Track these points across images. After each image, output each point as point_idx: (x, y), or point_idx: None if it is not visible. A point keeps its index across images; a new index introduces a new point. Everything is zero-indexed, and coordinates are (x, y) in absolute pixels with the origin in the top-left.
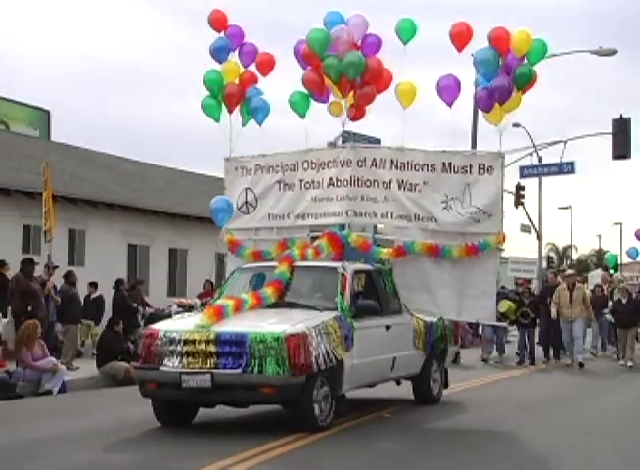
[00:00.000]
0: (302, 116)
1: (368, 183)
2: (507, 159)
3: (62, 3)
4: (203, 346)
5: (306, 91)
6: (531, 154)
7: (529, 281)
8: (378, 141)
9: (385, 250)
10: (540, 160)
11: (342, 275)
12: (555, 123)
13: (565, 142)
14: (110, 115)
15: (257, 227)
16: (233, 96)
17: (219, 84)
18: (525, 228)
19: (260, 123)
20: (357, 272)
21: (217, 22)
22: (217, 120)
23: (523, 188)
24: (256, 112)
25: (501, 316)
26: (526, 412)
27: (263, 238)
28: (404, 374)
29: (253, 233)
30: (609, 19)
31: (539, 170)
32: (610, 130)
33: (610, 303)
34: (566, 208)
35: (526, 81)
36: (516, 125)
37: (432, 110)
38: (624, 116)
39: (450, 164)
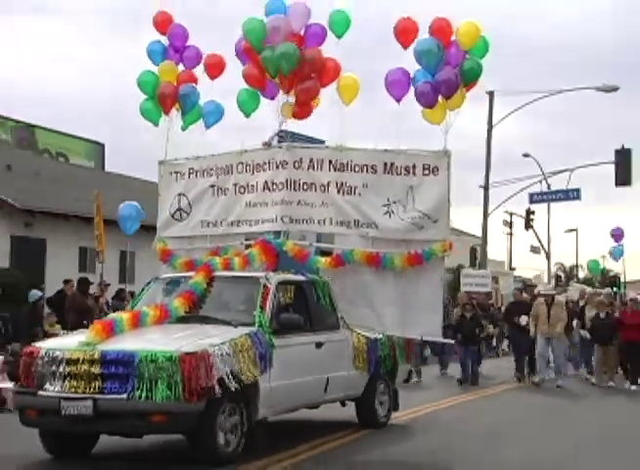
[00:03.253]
0: (247, 115)
1: (305, 186)
2: (518, 186)
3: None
4: (86, 366)
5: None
6: (540, 181)
7: (488, 295)
8: (322, 142)
9: (322, 259)
10: (549, 187)
11: (265, 286)
12: (562, 153)
13: (571, 171)
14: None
15: (191, 235)
16: (168, 97)
17: (155, 86)
18: (534, 249)
19: (208, 127)
20: (283, 283)
21: (162, 24)
22: (156, 124)
23: (533, 213)
24: (208, 116)
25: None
26: (486, 438)
27: (197, 247)
28: (342, 396)
29: (187, 242)
30: (608, 55)
31: (548, 197)
32: (613, 160)
33: (575, 321)
34: (572, 230)
35: (475, 76)
36: (526, 155)
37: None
38: (626, 146)
39: (392, 164)
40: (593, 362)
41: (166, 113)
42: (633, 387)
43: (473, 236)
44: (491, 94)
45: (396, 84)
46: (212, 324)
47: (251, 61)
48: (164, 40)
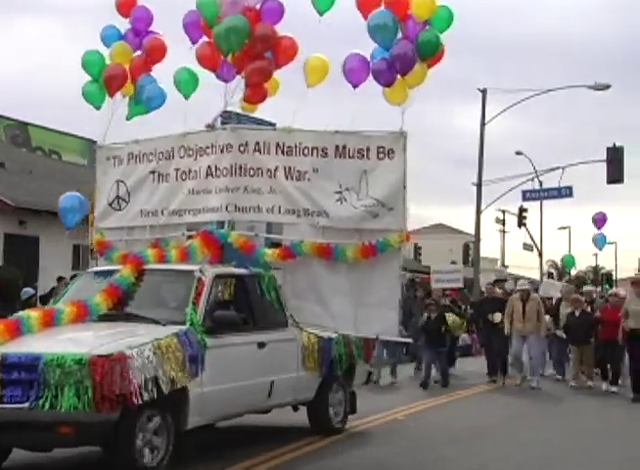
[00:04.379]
0: (186, 97)
1: (251, 172)
2: (510, 184)
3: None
4: None
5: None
6: (533, 179)
7: (459, 290)
8: (272, 125)
9: (270, 251)
10: (541, 185)
11: (199, 281)
12: (555, 151)
13: (563, 169)
14: None
15: (130, 226)
16: (115, 79)
17: (101, 67)
18: (527, 247)
19: (149, 111)
20: (222, 277)
21: (125, 5)
22: (98, 108)
23: (525, 210)
24: (150, 101)
25: (446, 332)
26: (452, 445)
27: (136, 238)
28: (290, 400)
29: (126, 233)
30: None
31: (540, 194)
32: (604, 158)
33: (547, 317)
34: (564, 228)
35: (432, 50)
36: (519, 153)
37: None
38: (617, 144)
39: (345, 146)
40: (569, 362)
41: (111, 95)
42: (613, 388)
43: (466, 234)
44: (484, 92)
45: (355, 71)
46: (138, 323)
47: (206, 37)
48: (125, 25)
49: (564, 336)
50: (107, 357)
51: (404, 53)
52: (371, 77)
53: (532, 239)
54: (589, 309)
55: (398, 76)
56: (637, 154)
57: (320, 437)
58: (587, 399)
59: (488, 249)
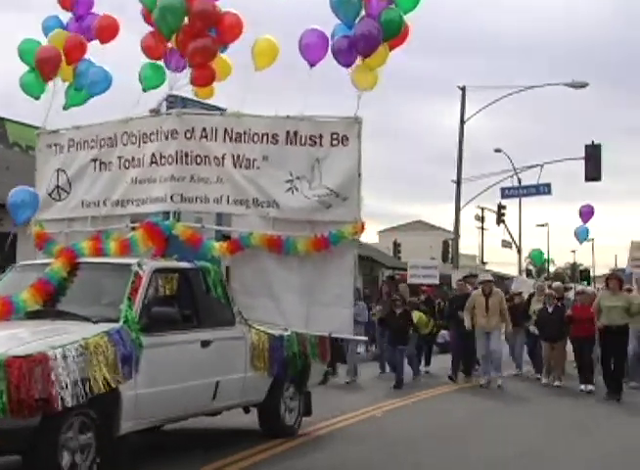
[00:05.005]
0: (145, 89)
1: (198, 159)
2: (489, 181)
3: None
4: None
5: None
6: (512, 176)
7: (435, 287)
8: (222, 110)
9: (217, 245)
10: (520, 182)
11: (136, 275)
12: (533, 149)
13: (542, 166)
14: None
15: (71, 217)
16: (48, 61)
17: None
18: (506, 244)
19: (92, 96)
20: (162, 272)
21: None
22: (37, 98)
23: (504, 207)
24: (94, 86)
25: (412, 329)
26: (403, 449)
27: (78, 230)
28: (237, 402)
29: (66, 225)
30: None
31: (519, 191)
32: (582, 155)
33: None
34: (543, 225)
35: (395, 30)
36: (498, 151)
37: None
38: (595, 142)
39: (296, 133)
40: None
41: (46, 80)
42: (589, 387)
43: (445, 230)
44: (463, 90)
45: (311, 47)
46: (68, 320)
47: (148, 30)
48: (66, 16)
49: (536, 332)
50: (25, 358)
51: (369, 32)
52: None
53: (511, 236)
54: (559, 305)
55: (358, 59)
56: (616, 151)
57: (281, 441)
58: (556, 398)
59: (467, 245)
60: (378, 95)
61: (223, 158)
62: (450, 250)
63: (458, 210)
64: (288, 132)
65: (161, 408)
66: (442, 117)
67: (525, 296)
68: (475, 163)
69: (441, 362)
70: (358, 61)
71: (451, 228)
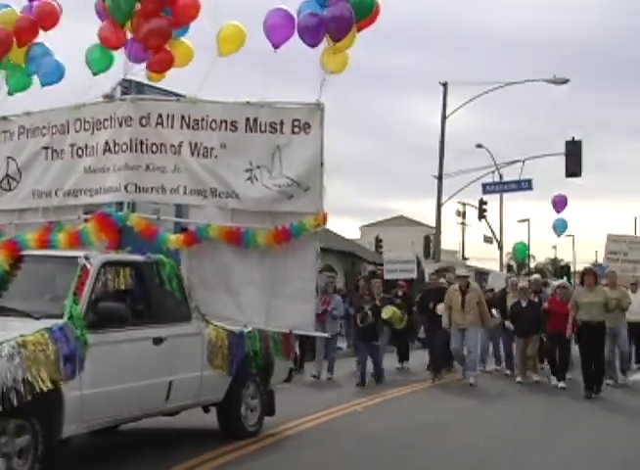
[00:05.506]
0: (95, 73)
1: (153, 148)
2: (471, 177)
3: None
4: None
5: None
6: (493, 172)
7: (409, 282)
8: (180, 97)
9: (173, 237)
10: (501, 177)
11: (83, 268)
12: (515, 145)
13: (523, 161)
14: None
15: (21, 208)
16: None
17: None
18: (487, 239)
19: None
20: (112, 265)
21: None
22: None
23: (486, 203)
24: (45, 77)
25: (385, 324)
26: (372, 448)
27: (28, 222)
28: (193, 402)
29: (17, 216)
30: (564, 49)
31: (500, 187)
32: (563, 151)
33: (494, 310)
34: (524, 221)
35: (366, 11)
36: (479, 146)
37: None
38: (576, 138)
39: (256, 119)
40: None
41: None
42: (560, 383)
43: (427, 226)
44: (445, 85)
45: (276, 28)
46: (7, 316)
47: (105, 20)
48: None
49: (512, 327)
50: None
51: (341, 14)
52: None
53: (492, 231)
54: (536, 300)
55: (325, 40)
56: (598, 148)
57: (247, 441)
58: (530, 394)
59: (449, 241)
60: (359, 89)
61: (180, 146)
62: (432, 245)
63: (439, 205)
64: (247, 119)
65: (109, 410)
66: (425, 113)
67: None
68: (456, 158)
69: (419, 358)
70: (325, 42)
71: (433, 224)
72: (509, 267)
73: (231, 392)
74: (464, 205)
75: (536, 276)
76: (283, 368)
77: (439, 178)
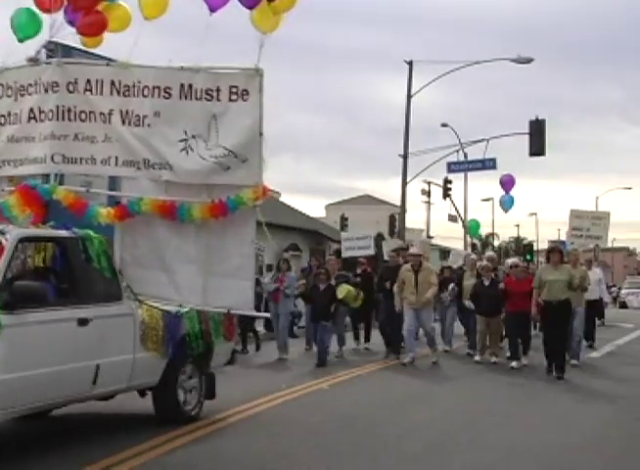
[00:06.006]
0: (21, 40)
1: (82, 115)
2: (436, 155)
3: None
4: None
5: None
6: (458, 151)
7: (371, 260)
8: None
9: (105, 211)
10: (466, 156)
11: None
12: (480, 123)
13: (487, 141)
14: None
15: None
16: None
17: None
18: (452, 218)
19: None
20: (31, 240)
21: None
22: None
23: (450, 182)
24: None
25: (339, 303)
26: (335, 431)
27: None
28: (124, 386)
29: None
30: (530, 28)
31: (465, 166)
32: (527, 130)
33: (451, 285)
34: (488, 200)
35: None
36: (444, 125)
37: None
38: (540, 117)
39: (191, 86)
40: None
41: None
42: (524, 361)
43: (392, 205)
44: (410, 64)
45: None
46: None
47: None
48: None
49: (472, 307)
50: None
51: None
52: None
53: (457, 210)
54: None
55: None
56: (562, 127)
57: (191, 427)
58: (490, 374)
59: (414, 220)
60: (324, 67)
61: (110, 114)
62: (397, 224)
63: (405, 184)
64: (182, 85)
65: (27, 396)
66: (391, 92)
67: (458, 268)
68: (422, 137)
69: (378, 337)
70: (263, 3)
71: (398, 203)
72: (473, 246)
73: (167, 375)
74: (429, 183)
75: (491, 253)
76: (225, 350)
77: (405, 157)
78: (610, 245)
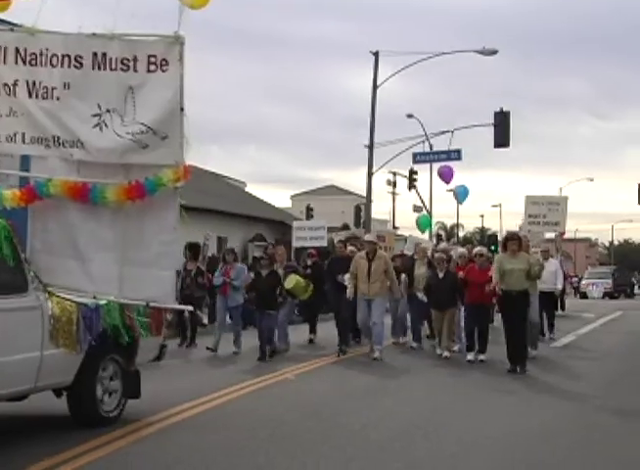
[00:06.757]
0: None
1: None
2: (401, 146)
3: None
4: None
5: None
6: (423, 142)
7: (319, 251)
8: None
9: (9, 193)
10: (431, 147)
11: None
12: (446, 115)
13: (452, 132)
14: None
15: None
16: None
17: None
18: (417, 209)
19: None
20: None
21: None
22: None
23: (416, 173)
24: None
25: (287, 294)
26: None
27: None
28: (32, 387)
29: None
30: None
31: (430, 157)
32: (492, 122)
33: (403, 276)
34: (452, 190)
35: None
36: (410, 116)
37: None
38: (505, 109)
39: (105, 55)
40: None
41: None
42: (481, 356)
43: (358, 195)
44: (376, 55)
45: None
46: None
47: None
48: None
49: (425, 299)
50: None
51: None
52: None
53: (422, 201)
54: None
55: None
56: (526, 119)
57: (125, 430)
58: (444, 370)
59: (380, 210)
60: (289, 57)
61: (15, 85)
62: (362, 215)
63: (370, 174)
64: (95, 54)
65: None
66: (356, 82)
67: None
68: (388, 128)
69: (330, 330)
70: None
71: (364, 193)
72: (438, 237)
73: (83, 373)
74: (394, 174)
75: (444, 245)
76: (152, 345)
77: (370, 148)
78: (572, 236)
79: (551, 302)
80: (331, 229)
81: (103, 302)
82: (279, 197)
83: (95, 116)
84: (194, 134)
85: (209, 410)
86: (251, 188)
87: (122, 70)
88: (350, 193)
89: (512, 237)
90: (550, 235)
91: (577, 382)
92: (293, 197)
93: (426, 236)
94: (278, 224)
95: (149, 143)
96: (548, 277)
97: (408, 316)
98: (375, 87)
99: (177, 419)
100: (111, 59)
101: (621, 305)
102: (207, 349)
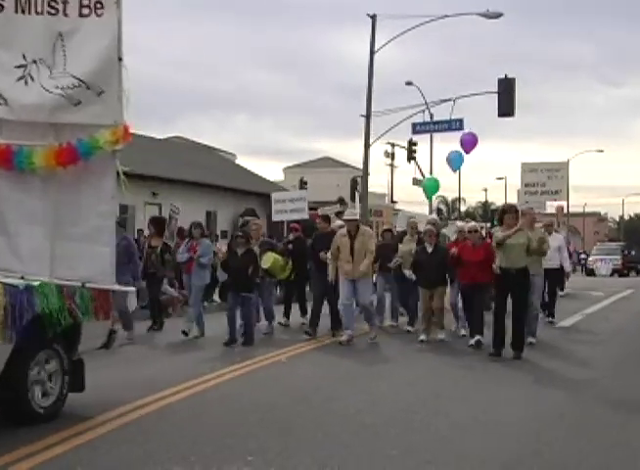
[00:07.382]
0: None
1: None
2: (400, 116)
3: None
4: None
5: None
6: (423, 111)
7: (298, 224)
8: None
9: None
10: (432, 117)
11: None
12: (447, 82)
13: (454, 100)
14: None
15: None
16: None
17: None
18: (417, 182)
19: None
20: None
21: None
22: None
23: (415, 144)
24: None
25: (265, 274)
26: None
27: None
28: None
29: None
30: None
31: (430, 127)
32: (496, 89)
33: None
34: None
35: None
36: (409, 83)
37: None
38: (509, 76)
39: None
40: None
41: None
42: (477, 337)
43: (354, 168)
44: (374, 18)
45: None
46: None
47: None
48: None
49: (413, 277)
50: None
51: None
52: None
53: (422, 173)
54: None
55: None
56: (531, 86)
57: (82, 428)
58: (434, 355)
59: (377, 183)
60: (281, 22)
61: None
62: (359, 188)
63: (367, 146)
64: None
65: None
66: (352, 47)
67: (401, 232)
68: (386, 96)
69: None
70: None
71: (360, 165)
72: (439, 211)
73: (12, 365)
74: (393, 145)
75: (433, 216)
76: (99, 331)
77: (367, 117)
78: (580, 210)
79: (554, 281)
80: (326, 203)
81: (36, 283)
82: (271, 169)
83: (19, 67)
84: (184, 102)
85: (192, 396)
86: (241, 160)
87: (50, 13)
88: (346, 165)
89: (508, 209)
90: (551, 203)
91: (581, 367)
92: (285, 169)
93: (426, 210)
94: (270, 198)
95: (82, 99)
96: (551, 254)
97: (387, 296)
98: (372, 52)
99: (159, 405)
100: (36, 2)
101: (631, 283)
102: (182, 332)
